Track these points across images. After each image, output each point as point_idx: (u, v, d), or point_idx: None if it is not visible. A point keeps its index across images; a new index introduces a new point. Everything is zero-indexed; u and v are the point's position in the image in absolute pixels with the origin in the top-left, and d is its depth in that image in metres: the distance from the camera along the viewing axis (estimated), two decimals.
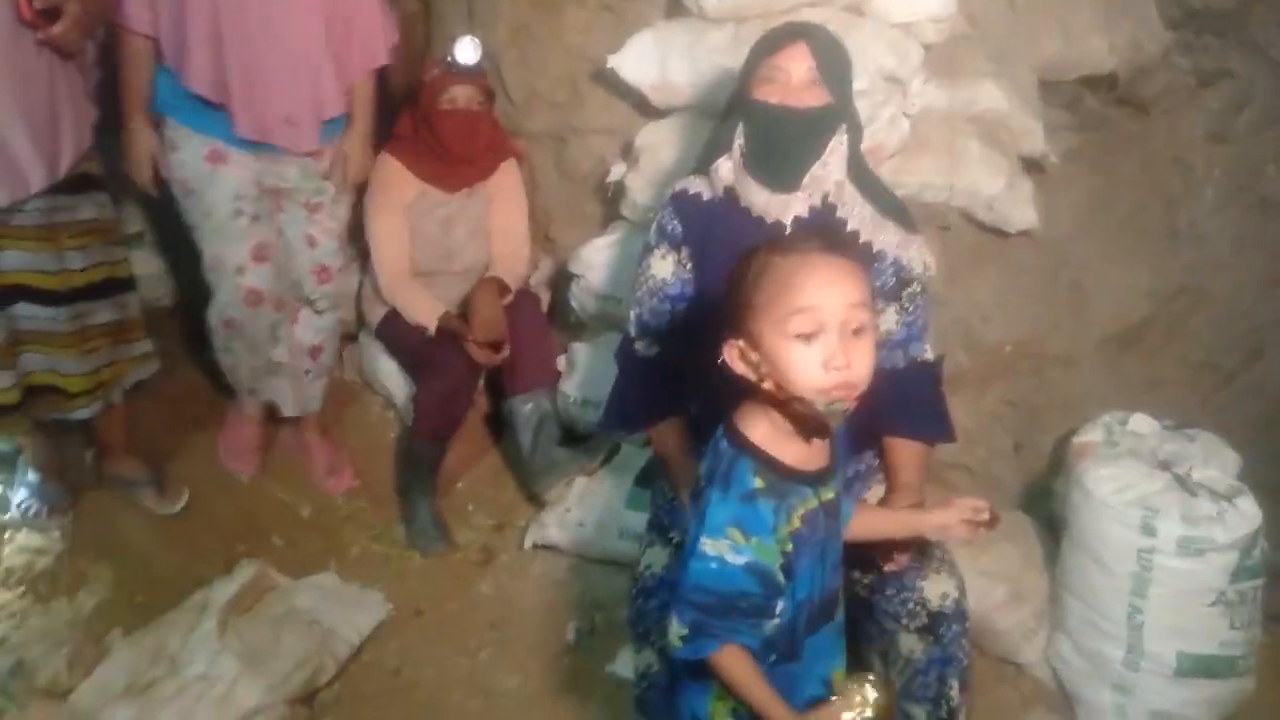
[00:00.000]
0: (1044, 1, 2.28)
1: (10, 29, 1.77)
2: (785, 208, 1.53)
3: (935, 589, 1.48)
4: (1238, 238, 2.51)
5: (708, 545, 1.13)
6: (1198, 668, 1.77)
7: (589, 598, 2.18)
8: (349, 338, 2.69)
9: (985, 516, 1.33)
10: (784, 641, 1.18)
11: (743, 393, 1.18)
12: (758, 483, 1.13)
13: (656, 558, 1.59)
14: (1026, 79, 2.25)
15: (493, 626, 2.13)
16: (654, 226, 1.65)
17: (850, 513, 1.29)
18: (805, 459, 1.17)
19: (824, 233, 1.26)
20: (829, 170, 1.52)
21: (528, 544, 2.26)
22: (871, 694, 1.16)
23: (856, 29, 1.94)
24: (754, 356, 1.12)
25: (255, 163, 2.16)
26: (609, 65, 2.12)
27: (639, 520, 2.05)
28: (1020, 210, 2.18)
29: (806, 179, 1.52)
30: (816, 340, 1.08)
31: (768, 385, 1.12)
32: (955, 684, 1.48)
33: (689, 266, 1.60)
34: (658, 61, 2.08)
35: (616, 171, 2.24)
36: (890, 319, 1.58)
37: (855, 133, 1.56)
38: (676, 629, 1.14)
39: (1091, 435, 2.05)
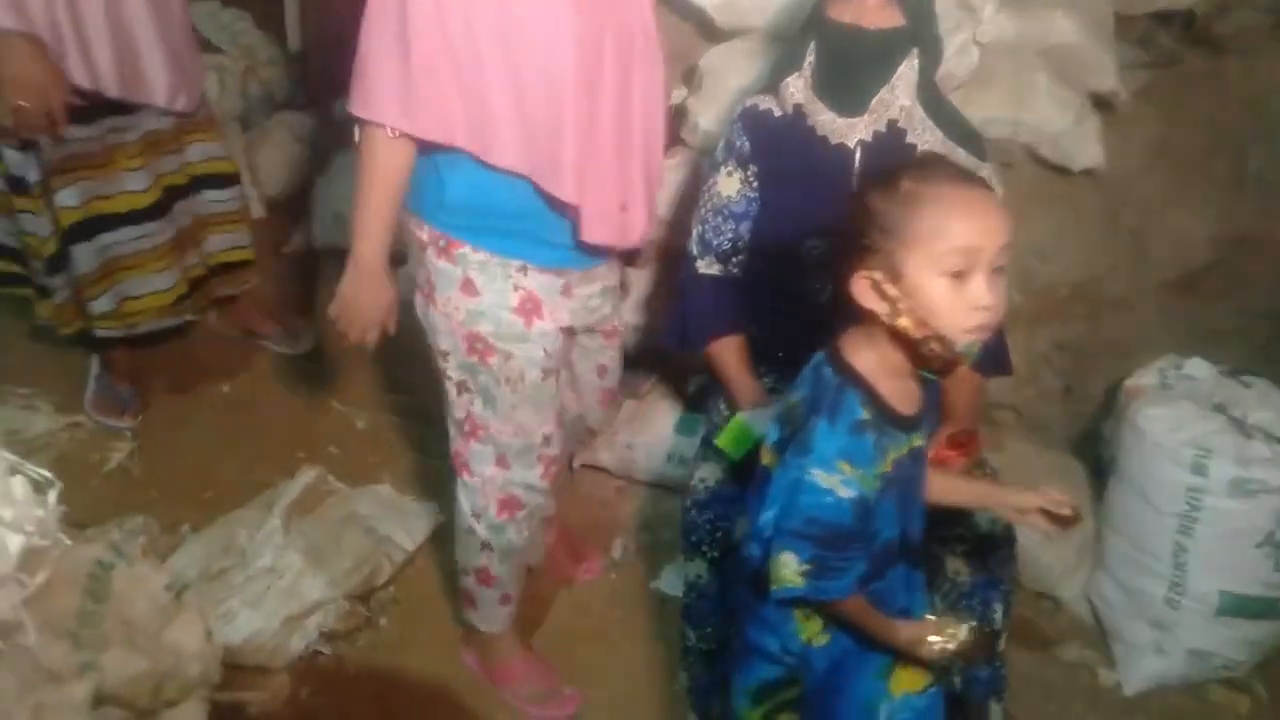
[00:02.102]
0: None
1: None
2: (850, 130, 1.53)
3: (984, 513, 1.51)
4: None
5: (820, 477, 1.10)
6: (1240, 608, 1.79)
7: (636, 519, 2.23)
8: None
9: (1067, 511, 1.24)
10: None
11: (848, 319, 1.14)
12: (865, 414, 1.11)
13: (710, 472, 1.63)
14: (1102, 11, 2.19)
15: None
16: (721, 143, 1.65)
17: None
18: (902, 400, 1.14)
19: (950, 163, 1.20)
20: (896, 94, 1.51)
21: (576, 464, 2.31)
22: (964, 632, 1.15)
23: None
24: (891, 290, 1.07)
25: (566, 299, 1.55)
26: None
27: (688, 445, 2.09)
28: (1086, 148, 2.14)
29: (874, 102, 1.52)
30: (968, 278, 1.05)
31: (903, 321, 1.08)
32: (999, 607, 1.52)
33: (755, 185, 1.61)
34: None
35: (678, 95, 2.22)
36: None
37: (930, 57, 1.54)
38: (795, 565, 1.11)
39: (1145, 379, 2.04)
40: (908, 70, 1.51)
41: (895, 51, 1.50)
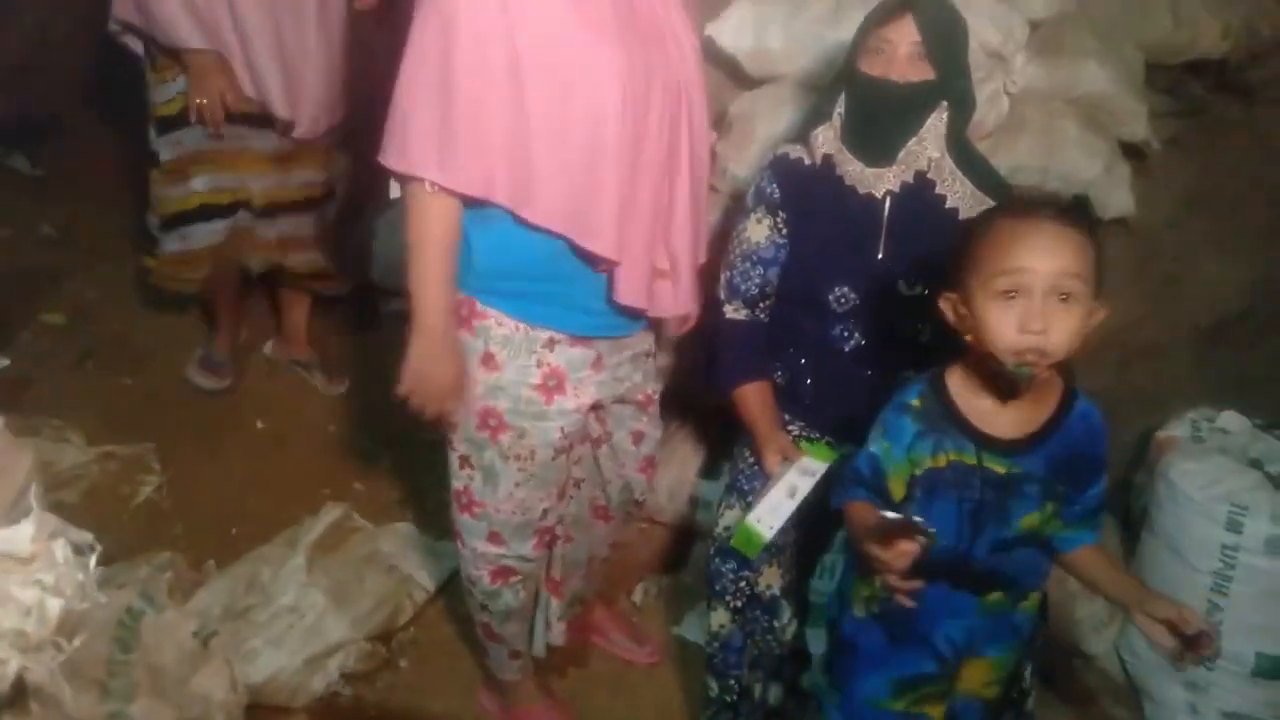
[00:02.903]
0: None
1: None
2: (878, 181, 1.54)
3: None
4: None
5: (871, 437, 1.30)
6: (1276, 669, 1.74)
7: (657, 561, 2.22)
8: None
9: (1192, 631, 1.17)
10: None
11: (953, 353, 1.27)
12: (915, 402, 1.25)
13: (734, 519, 1.62)
14: (1133, 60, 2.19)
15: None
16: (752, 190, 1.66)
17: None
18: (995, 422, 1.22)
19: (1053, 204, 1.24)
20: (925, 146, 1.52)
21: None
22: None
23: (962, 2, 1.90)
24: (963, 310, 1.20)
25: (595, 373, 1.48)
26: (706, 33, 2.11)
27: (712, 489, 2.08)
28: (1117, 196, 2.13)
29: (901, 153, 1.53)
30: (1017, 301, 1.13)
31: (970, 338, 1.20)
32: (1028, 664, 1.49)
33: (784, 231, 1.62)
34: (756, 30, 2.06)
35: (710, 138, 2.25)
36: None
37: (961, 110, 1.55)
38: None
39: (1177, 430, 2.02)
40: (936, 123, 1.52)
41: (923, 105, 1.51)
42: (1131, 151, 2.21)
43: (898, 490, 1.27)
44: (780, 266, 1.63)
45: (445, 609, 2.10)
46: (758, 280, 1.65)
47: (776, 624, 1.62)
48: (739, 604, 1.59)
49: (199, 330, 2.84)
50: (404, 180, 1.33)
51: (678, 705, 1.91)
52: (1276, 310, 2.44)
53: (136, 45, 2.35)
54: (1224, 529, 1.74)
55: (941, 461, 1.23)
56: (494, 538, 1.56)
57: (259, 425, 2.57)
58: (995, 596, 1.29)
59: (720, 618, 1.61)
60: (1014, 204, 1.27)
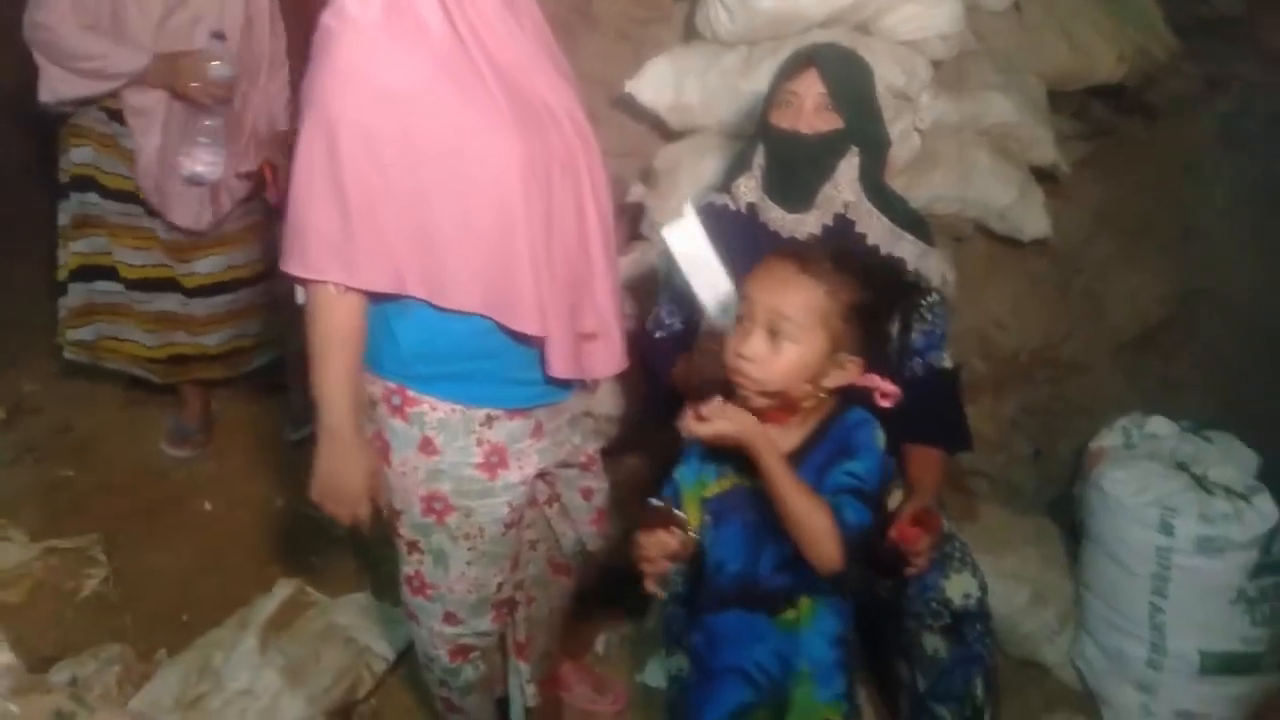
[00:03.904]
0: (1050, 13, 2.32)
1: None
2: (799, 225, 1.61)
3: (957, 588, 1.52)
4: (1248, 239, 2.54)
5: None
6: (1221, 665, 1.79)
7: (617, 609, 2.21)
8: None
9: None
10: (704, 593, 1.31)
11: None
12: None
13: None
14: (1035, 89, 2.29)
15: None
16: None
17: None
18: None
19: (836, 250, 1.33)
20: (839, 190, 1.60)
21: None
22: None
23: (865, 48, 1.98)
24: None
25: (536, 441, 1.47)
26: (626, 90, 2.18)
27: None
28: (1033, 219, 2.21)
29: (819, 198, 1.60)
30: (742, 326, 1.24)
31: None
32: (979, 682, 1.52)
33: None
34: (674, 85, 2.13)
35: (635, 193, 2.29)
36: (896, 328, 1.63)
37: (872, 153, 1.61)
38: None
39: (1109, 439, 2.08)
40: (848, 167, 1.59)
41: (834, 153, 1.58)
42: (1044, 175, 2.31)
43: (694, 518, 1.30)
44: (700, 311, 1.68)
45: (406, 677, 2.07)
46: (682, 320, 1.69)
47: None
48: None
49: (141, 417, 2.80)
50: (307, 284, 1.31)
51: None
52: (1194, 317, 2.55)
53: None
54: (1157, 532, 1.79)
55: (725, 485, 1.28)
56: (449, 618, 1.53)
57: (206, 506, 2.53)
58: (789, 615, 1.27)
59: (678, 661, 1.61)
60: (788, 244, 1.40)
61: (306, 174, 1.27)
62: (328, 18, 1.29)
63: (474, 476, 1.41)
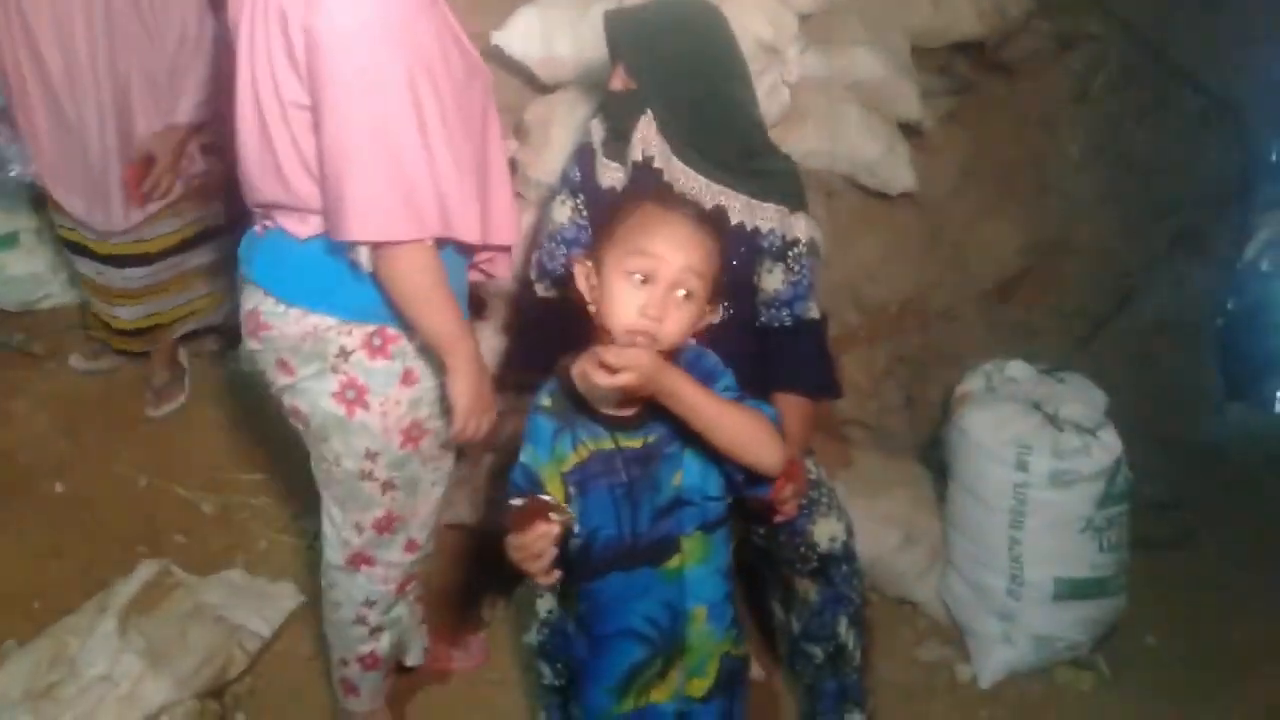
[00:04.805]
0: None
1: None
2: (613, 173, 1.68)
3: (824, 532, 1.56)
4: (1101, 191, 2.67)
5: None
6: (1073, 591, 1.91)
7: (502, 573, 2.20)
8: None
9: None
10: (580, 564, 1.26)
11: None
12: (545, 401, 1.25)
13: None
14: (900, 46, 2.34)
15: None
16: (560, 174, 1.74)
17: (690, 463, 1.26)
18: (614, 401, 1.22)
19: (697, 206, 1.35)
20: (639, 142, 1.62)
21: None
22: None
23: (733, 1, 1.98)
24: (594, 280, 1.22)
25: None
26: (493, 42, 2.11)
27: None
28: (900, 173, 2.27)
29: (628, 149, 1.64)
30: (644, 285, 1.17)
31: (593, 309, 1.22)
32: (845, 621, 1.57)
33: (584, 214, 1.67)
34: (543, 37, 2.08)
35: (509, 148, 2.25)
36: (777, 278, 1.65)
37: (675, 113, 1.61)
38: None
39: (972, 384, 2.17)
40: (645, 125, 1.61)
41: (632, 111, 1.61)
42: (910, 130, 2.36)
43: (557, 493, 1.24)
44: (583, 248, 1.67)
45: (284, 654, 2.01)
46: (562, 259, 1.69)
47: None
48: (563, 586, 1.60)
49: None
50: (396, 247, 1.34)
51: (525, 705, 1.90)
52: (1051, 267, 2.68)
53: None
54: (1014, 469, 1.89)
55: (584, 454, 1.23)
56: (411, 545, 1.63)
57: (57, 488, 2.37)
58: (673, 562, 1.27)
59: (547, 603, 1.61)
60: (661, 192, 1.32)
61: (400, 131, 1.30)
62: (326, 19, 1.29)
63: (445, 394, 1.49)
